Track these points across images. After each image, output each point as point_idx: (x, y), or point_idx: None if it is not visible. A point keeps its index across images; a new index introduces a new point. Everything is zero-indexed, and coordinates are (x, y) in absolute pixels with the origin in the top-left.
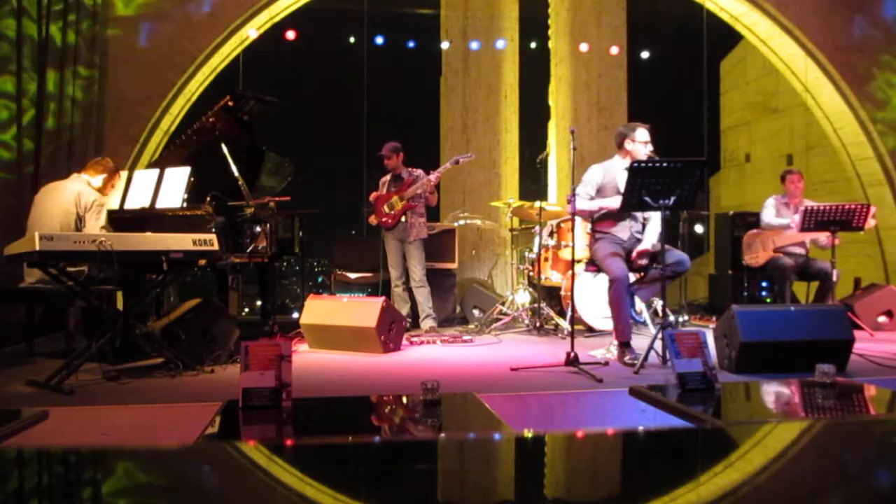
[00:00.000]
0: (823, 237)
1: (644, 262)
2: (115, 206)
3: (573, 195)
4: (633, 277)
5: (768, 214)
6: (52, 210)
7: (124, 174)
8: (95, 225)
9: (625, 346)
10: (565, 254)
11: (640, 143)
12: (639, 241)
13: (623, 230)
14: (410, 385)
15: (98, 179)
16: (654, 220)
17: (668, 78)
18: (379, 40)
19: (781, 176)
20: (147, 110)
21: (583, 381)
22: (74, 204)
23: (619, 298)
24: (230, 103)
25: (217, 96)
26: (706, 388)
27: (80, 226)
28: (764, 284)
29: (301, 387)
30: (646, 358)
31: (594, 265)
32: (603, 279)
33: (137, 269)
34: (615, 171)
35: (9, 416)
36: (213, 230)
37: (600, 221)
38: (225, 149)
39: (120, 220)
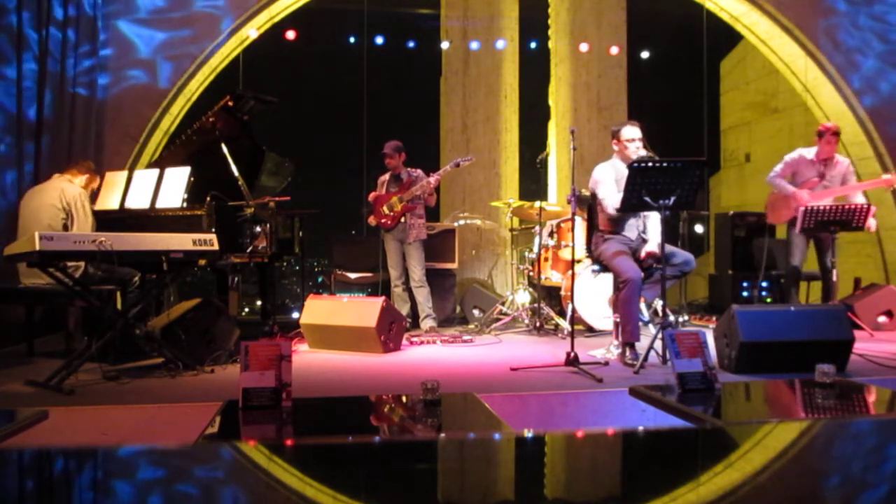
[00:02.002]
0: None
1: (651, 262)
2: (114, 206)
3: (573, 195)
4: None
5: (778, 173)
6: (39, 210)
7: (123, 174)
8: (85, 221)
9: (629, 346)
10: (565, 254)
11: (627, 142)
12: (644, 240)
13: (631, 230)
14: (410, 385)
15: (80, 180)
16: (654, 218)
17: (668, 78)
18: (379, 40)
19: (819, 132)
20: (147, 110)
21: (583, 381)
22: (59, 199)
23: (632, 299)
24: (230, 103)
25: (217, 96)
26: (706, 388)
27: (68, 222)
28: (764, 284)
29: (301, 387)
30: (646, 358)
31: (600, 265)
32: (603, 279)
33: (135, 268)
34: (620, 168)
35: (8, 416)
36: (214, 230)
37: (607, 222)
38: (225, 149)
39: (120, 220)
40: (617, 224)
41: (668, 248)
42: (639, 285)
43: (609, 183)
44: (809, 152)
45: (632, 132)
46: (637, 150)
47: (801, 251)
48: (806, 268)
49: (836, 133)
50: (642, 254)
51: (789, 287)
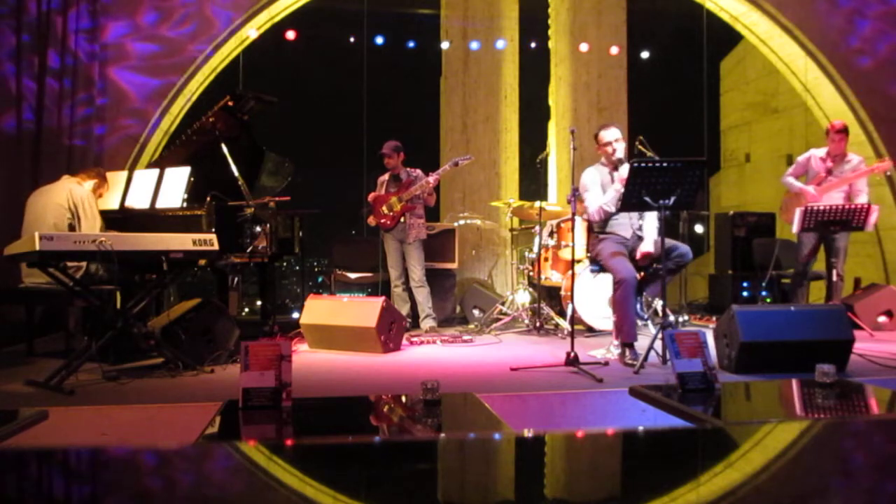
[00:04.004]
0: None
1: (649, 261)
2: (114, 206)
3: (573, 195)
4: None
5: (790, 172)
6: (45, 210)
7: (123, 174)
8: (94, 222)
9: (627, 346)
10: (565, 254)
11: (603, 146)
12: (640, 238)
13: (626, 228)
14: (410, 385)
15: (89, 184)
16: (650, 217)
17: (668, 78)
18: (379, 40)
19: (826, 130)
20: (147, 110)
21: (583, 381)
22: (66, 199)
23: (628, 299)
24: (230, 103)
25: (217, 96)
26: (706, 388)
27: (74, 222)
28: (764, 284)
29: (301, 387)
30: (646, 358)
31: (598, 265)
32: (603, 279)
33: (135, 268)
34: (604, 172)
35: (8, 416)
36: (214, 230)
37: (600, 222)
38: (225, 149)
39: (119, 220)
40: (607, 223)
41: (666, 241)
42: (633, 285)
43: (594, 188)
44: (820, 151)
45: (609, 134)
46: (614, 153)
47: (809, 250)
48: (818, 267)
49: (840, 130)
50: (638, 254)
51: (794, 286)
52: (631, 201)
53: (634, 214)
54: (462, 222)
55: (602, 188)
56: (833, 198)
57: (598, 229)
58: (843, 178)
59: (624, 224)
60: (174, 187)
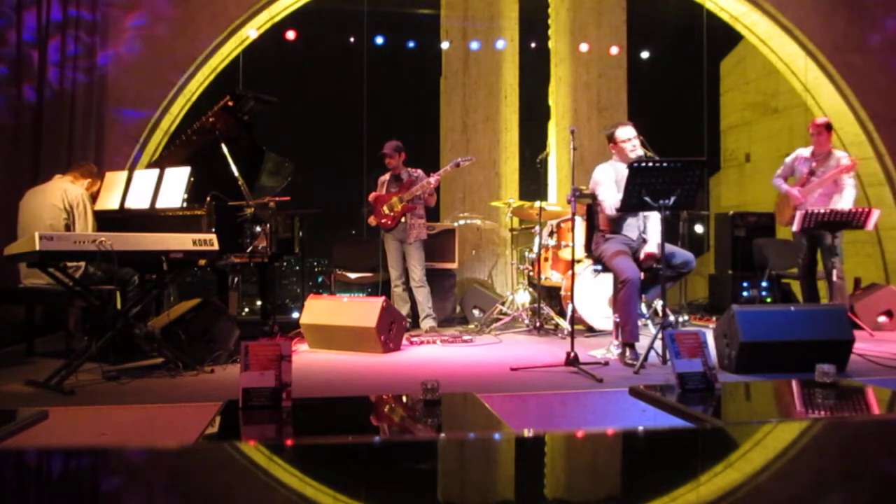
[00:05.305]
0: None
1: (651, 263)
2: (114, 206)
3: (573, 195)
4: None
5: (778, 174)
6: (40, 210)
7: (123, 174)
8: (86, 223)
9: (628, 346)
10: (565, 254)
11: (623, 142)
12: (645, 240)
13: (632, 229)
14: (410, 385)
15: (83, 182)
16: (654, 218)
17: (668, 78)
18: (379, 40)
19: (808, 127)
20: (147, 110)
21: (583, 381)
22: (62, 200)
23: (631, 300)
24: (230, 103)
25: (217, 96)
26: (706, 388)
27: (70, 223)
28: (764, 284)
29: (301, 387)
30: (646, 358)
31: (600, 265)
32: (603, 279)
33: (134, 267)
34: (620, 168)
35: (8, 416)
36: (214, 230)
37: (608, 222)
38: (225, 149)
39: (119, 220)
40: (617, 224)
41: (669, 248)
42: (637, 285)
43: (609, 184)
44: (806, 151)
45: (626, 132)
46: (635, 149)
47: (806, 251)
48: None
49: (819, 126)
50: (641, 255)
51: (803, 287)
52: (631, 201)
53: (640, 216)
54: (462, 222)
55: (616, 185)
56: (818, 199)
57: (605, 229)
58: (823, 179)
59: (632, 225)
60: (174, 187)
